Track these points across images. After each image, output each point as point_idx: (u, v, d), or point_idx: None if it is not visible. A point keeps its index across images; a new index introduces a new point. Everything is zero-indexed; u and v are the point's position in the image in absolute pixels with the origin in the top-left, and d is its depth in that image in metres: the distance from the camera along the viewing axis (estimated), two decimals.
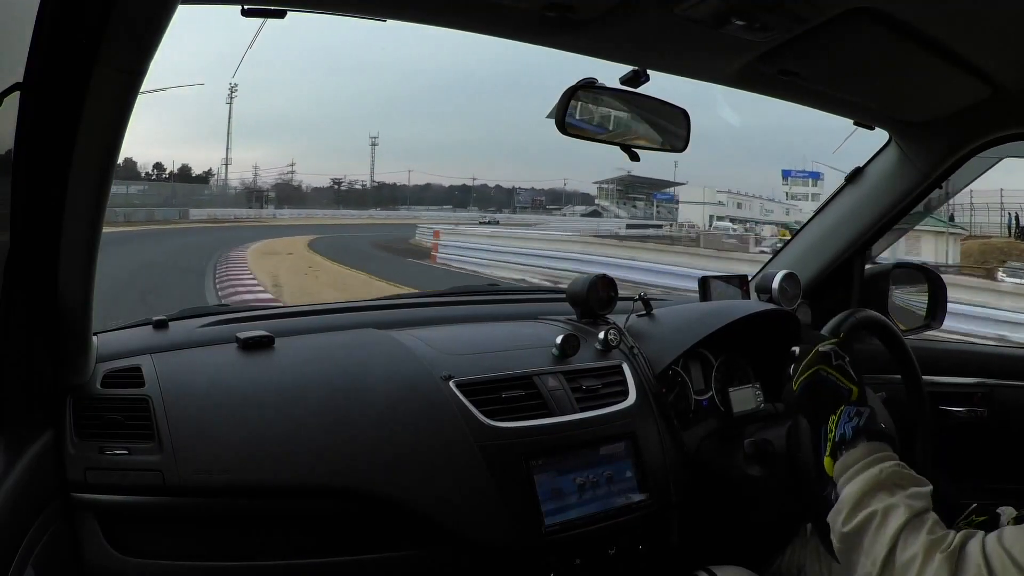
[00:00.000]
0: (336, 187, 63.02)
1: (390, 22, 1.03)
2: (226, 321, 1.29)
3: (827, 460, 0.91)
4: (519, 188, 68.59)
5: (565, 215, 57.52)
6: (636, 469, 1.19)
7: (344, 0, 1.00)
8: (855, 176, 1.63)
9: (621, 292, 1.52)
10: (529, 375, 1.20)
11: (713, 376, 1.41)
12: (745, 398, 1.40)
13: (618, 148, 1.19)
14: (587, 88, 1.11)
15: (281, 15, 0.96)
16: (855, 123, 1.49)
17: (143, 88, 0.76)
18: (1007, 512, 0.98)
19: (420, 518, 1.03)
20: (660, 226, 40.21)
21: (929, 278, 1.74)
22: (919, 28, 0.99)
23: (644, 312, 1.45)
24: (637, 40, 1.05)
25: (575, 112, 1.12)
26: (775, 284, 1.59)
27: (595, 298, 1.47)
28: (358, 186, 65.04)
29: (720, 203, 47.45)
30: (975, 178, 1.62)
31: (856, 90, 1.30)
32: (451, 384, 1.13)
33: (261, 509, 1.00)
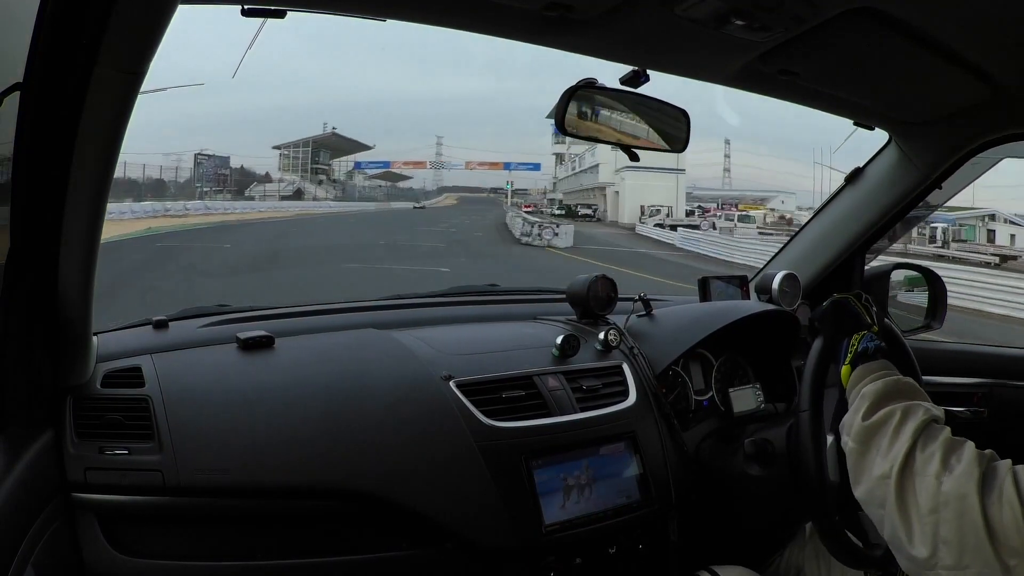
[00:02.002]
0: None
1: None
2: (226, 321, 1.29)
3: (845, 368, 0.97)
4: (202, 155, 43.08)
5: (255, 197, 40.94)
6: (636, 469, 1.19)
7: (344, 0, 1.00)
8: (855, 176, 1.63)
9: (621, 292, 1.52)
10: (529, 375, 1.20)
11: (713, 376, 1.41)
12: (745, 398, 1.40)
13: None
14: (587, 88, 1.11)
15: (281, 15, 0.96)
16: (855, 123, 1.49)
17: (143, 88, 0.76)
18: None
19: (420, 518, 1.03)
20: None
21: (929, 279, 1.74)
22: (919, 28, 0.99)
23: (644, 312, 1.45)
24: (637, 40, 1.05)
25: (575, 112, 1.12)
26: (775, 284, 1.59)
27: (595, 298, 1.47)
28: None
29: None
30: (975, 178, 1.62)
31: (856, 90, 1.30)
32: (451, 384, 1.13)
33: (261, 509, 1.00)
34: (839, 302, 1.05)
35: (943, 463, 0.77)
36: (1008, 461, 0.77)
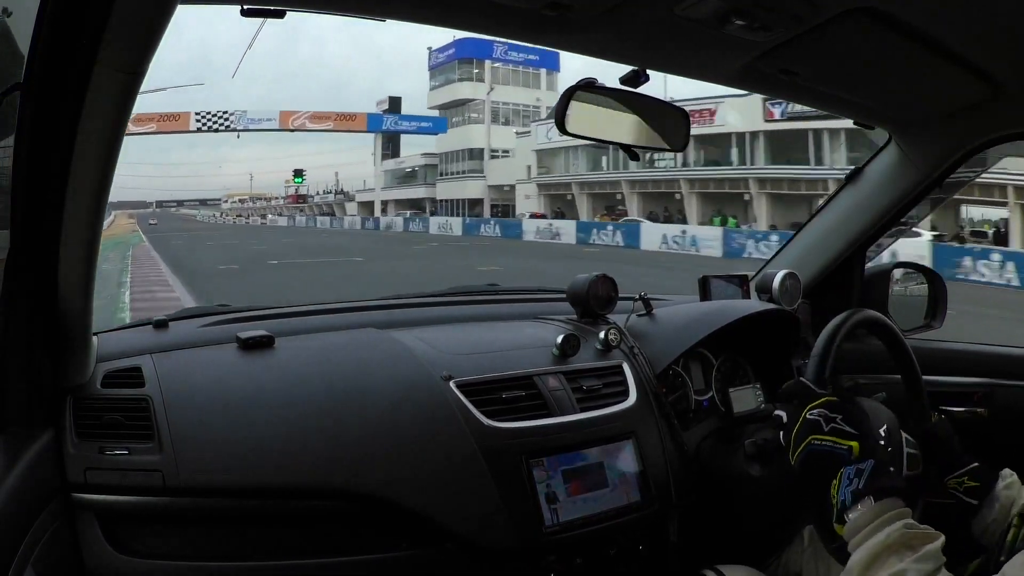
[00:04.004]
0: None
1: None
2: (226, 321, 1.29)
3: (836, 527, 0.88)
4: None
5: None
6: (636, 469, 1.18)
7: (344, 0, 1.00)
8: (855, 176, 1.63)
9: (621, 292, 1.52)
10: (529, 375, 1.20)
11: (713, 376, 1.41)
12: (745, 398, 1.40)
13: None
14: (587, 88, 1.11)
15: (281, 15, 0.97)
16: (855, 123, 1.49)
17: (143, 88, 0.77)
18: (1006, 476, 1.00)
19: (420, 519, 1.03)
20: None
21: (929, 278, 1.74)
22: (919, 28, 0.99)
23: (644, 312, 1.45)
24: (637, 40, 1.05)
25: (575, 112, 1.12)
26: (775, 284, 1.58)
27: (595, 297, 1.46)
28: None
29: None
30: (974, 177, 1.62)
31: (856, 90, 1.30)
32: (451, 384, 1.13)
33: (261, 509, 1.00)
34: (806, 458, 0.91)
35: None
36: None
